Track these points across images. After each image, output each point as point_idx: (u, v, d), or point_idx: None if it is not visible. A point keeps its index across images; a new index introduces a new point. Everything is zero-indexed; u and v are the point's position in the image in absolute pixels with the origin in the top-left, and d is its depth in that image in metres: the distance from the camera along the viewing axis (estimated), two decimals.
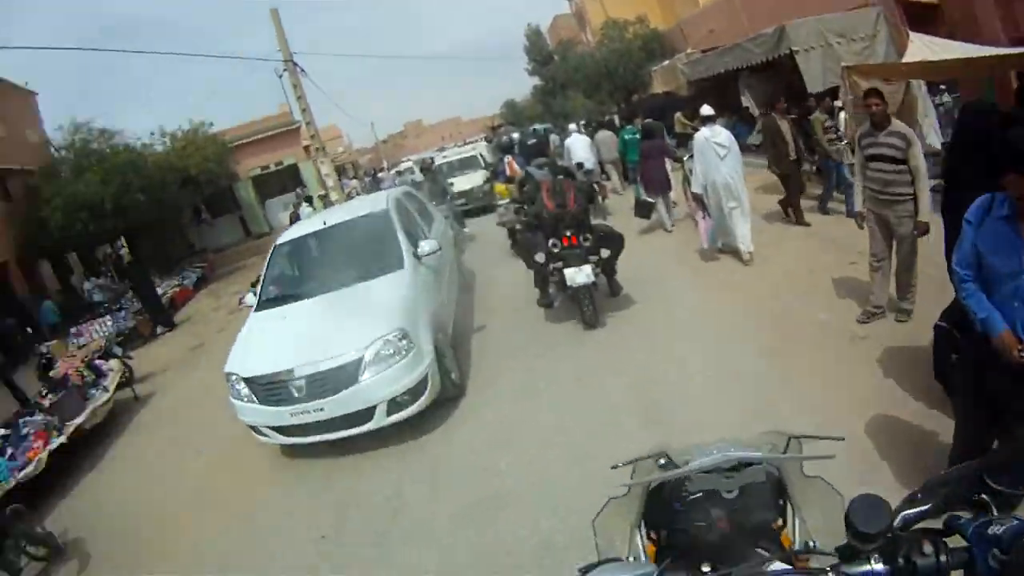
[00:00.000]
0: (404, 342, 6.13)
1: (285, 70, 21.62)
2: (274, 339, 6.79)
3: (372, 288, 7.03)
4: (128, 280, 18.11)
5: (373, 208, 8.32)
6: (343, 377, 5.98)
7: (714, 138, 8.93)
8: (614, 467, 2.13)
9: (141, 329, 15.86)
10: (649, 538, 1.97)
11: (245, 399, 6.31)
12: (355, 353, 6.03)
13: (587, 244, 7.67)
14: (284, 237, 8.76)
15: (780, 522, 1.88)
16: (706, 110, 9.66)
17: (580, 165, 13.41)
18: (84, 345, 13.94)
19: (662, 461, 2.02)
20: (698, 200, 9.40)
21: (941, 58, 9.00)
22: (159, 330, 15.87)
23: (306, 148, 29.41)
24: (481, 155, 23.60)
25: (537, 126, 36.40)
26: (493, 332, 8.85)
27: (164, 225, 24.89)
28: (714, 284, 8.85)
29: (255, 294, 7.85)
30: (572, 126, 17.78)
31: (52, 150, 23.04)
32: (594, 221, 8.46)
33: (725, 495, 1.86)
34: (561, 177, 8.53)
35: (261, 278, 8.18)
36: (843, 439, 1.96)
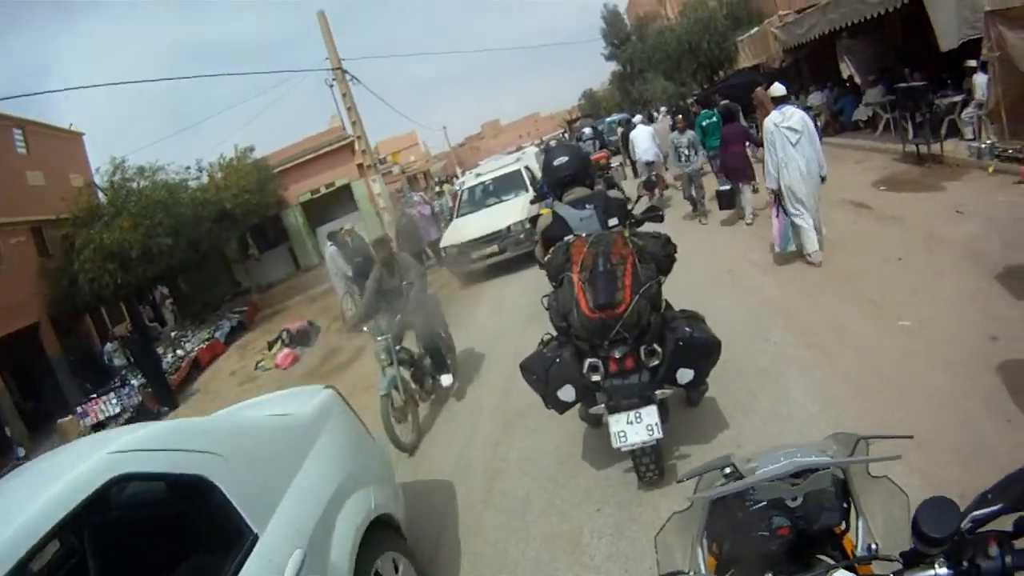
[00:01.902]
0: None
1: (335, 79, 20.57)
2: None
3: None
4: (129, 352, 17.02)
5: None
6: None
7: (785, 123, 8.05)
8: (679, 481, 2.25)
9: (149, 405, 14.68)
10: (710, 551, 1.97)
11: None
12: None
13: (653, 365, 4.58)
14: None
15: (844, 526, 1.86)
16: (777, 89, 8.65)
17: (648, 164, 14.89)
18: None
19: (727, 470, 1.99)
20: (773, 195, 8.52)
21: None
22: (160, 409, 14.57)
23: (359, 166, 28.00)
24: (527, 169, 16.69)
25: (615, 116, 34.67)
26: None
27: (205, 267, 24.19)
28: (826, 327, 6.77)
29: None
30: (638, 117, 18.16)
31: (99, 193, 22.07)
32: (667, 297, 5.04)
33: (789, 503, 1.79)
34: (612, 231, 4.96)
35: None
36: (911, 437, 1.93)
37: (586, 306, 4.42)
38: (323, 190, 29.93)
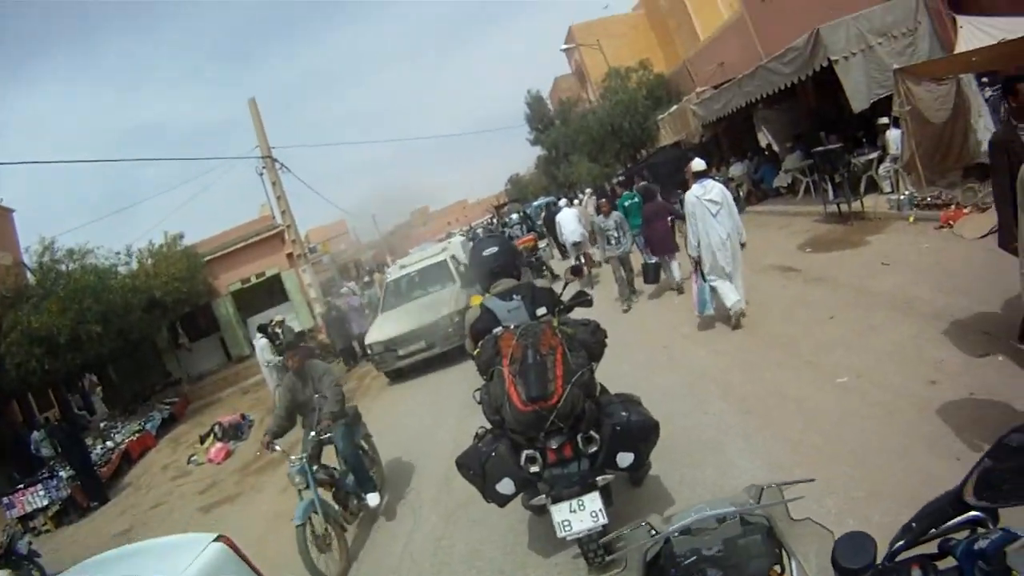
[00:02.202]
0: None
1: (264, 167, 20.39)
2: None
3: None
4: (56, 442, 16.15)
5: None
6: None
7: (705, 195, 8.58)
8: (611, 558, 2.57)
9: (78, 500, 13.96)
10: None
11: None
12: None
13: (592, 451, 4.46)
14: None
15: (779, 568, 1.92)
16: (697, 164, 9.19)
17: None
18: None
19: (650, 531, 2.09)
20: (694, 263, 8.93)
21: (1002, 40, 8.06)
22: (91, 503, 13.96)
23: (289, 255, 27.62)
24: (454, 258, 15.90)
25: (541, 200, 35.07)
26: None
27: (135, 355, 23.36)
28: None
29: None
30: (563, 201, 19.33)
31: (27, 273, 21.15)
32: (608, 390, 5.10)
33: (716, 554, 1.90)
34: (541, 321, 4.98)
35: None
36: (813, 480, 2.15)
37: (518, 399, 4.31)
38: (253, 280, 28.88)
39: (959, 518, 1.41)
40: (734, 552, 1.92)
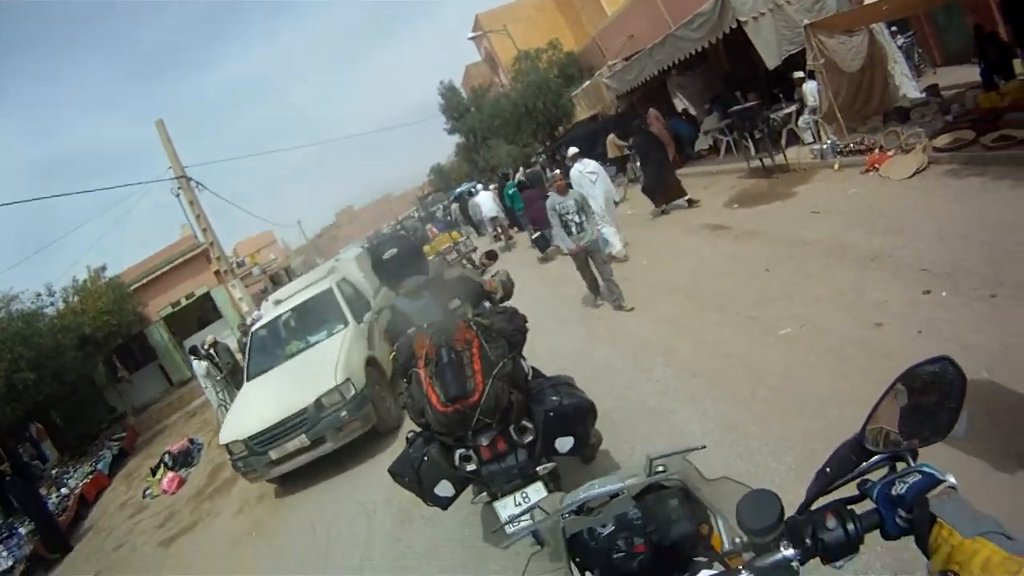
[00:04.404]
0: None
1: (180, 188, 19.78)
2: None
3: None
4: (11, 497, 15.41)
5: None
6: None
7: (586, 169, 11.50)
8: (506, 546, 2.75)
9: (41, 553, 13.29)
10: None
11: None
12: None
13: (528, 441, 4.30)
14: None
15: (707, 527, 1.94)
16: (572, 150, 13.13)
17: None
18: None
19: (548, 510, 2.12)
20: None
21: None
22: (53, 555, 13.32)
23: (216, 273, 27.00)
24: (346, 283, 11.21)
25: (464, 186, 35.02)
26: None
27: (75, 396, 22.59)
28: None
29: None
30: (479, 186, 20.92)
31: None
32: (543, 372, 4.96)
33: (635, 521, 1.94)
34: (453, 316, 4.83)
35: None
36: (704, 447, 2.14)
37: (437, 401, 4.12)
38: (183, 301, 28.37)
39: (872, 459, 1.39)
40: (652, 518, 1.97)
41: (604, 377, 6.80)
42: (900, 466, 1.35)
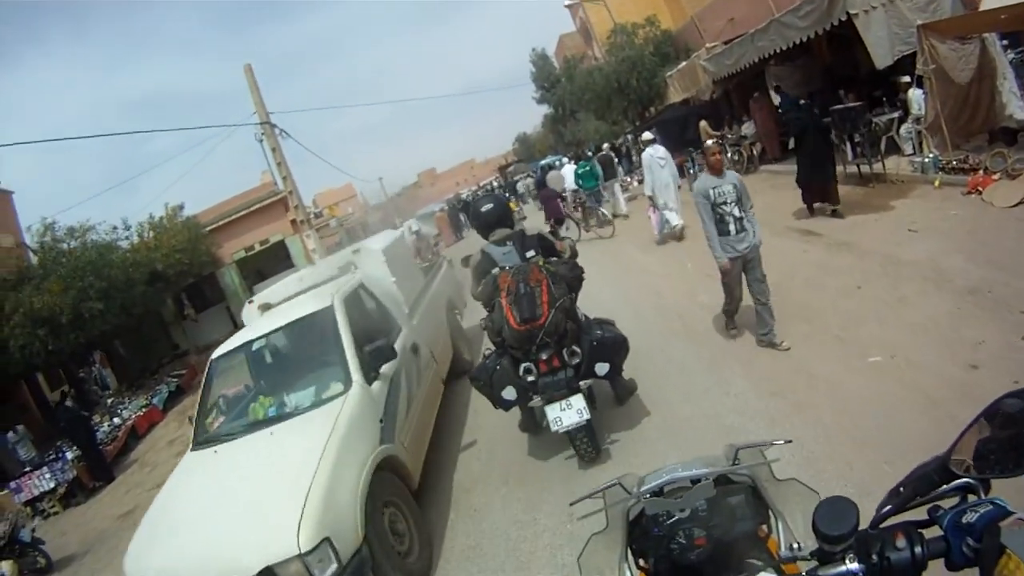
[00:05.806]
0: None
1: (264, 134, 20.13)
2: None
3: None
4: (62, 424, 16.01)
5: None
6: None
7: (656, 155, 13.25)
8: (572, 504, 2.43)
9: (84, 480, 13.99)
10: (640, 568, 2.06)
11: None
12: None
13: (575, 363, 5.67)
14: None
15: (766, 529, 1.99)
16: (646, 136, 14.68)
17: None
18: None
19: (624, 491, 2.11)
20: (650, 200, 13.56)
21: None
22: (96, 483, 13.99)
23: (292, 222, 27.39)
24: (364, 290, 7.42)
25: (547, 160, 34.86)
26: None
27: (141, 329, 23.36)
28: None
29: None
30: (565, 159, 21.81)
31: (30, 254, 21.08)
32: (582, 311, 6.37)
33: (700, 513, 1.95)
34: (529, 261, 5.89)
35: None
36: (791, 442, 2.40)
37: (514, 321, 5.53)
38: (257, 247, 29.00)
39: (946, 486, 1.38)
40: (717, 512, 1.98)
41: (678, 377, 6.84)
42: (971, 497, 1.35)
